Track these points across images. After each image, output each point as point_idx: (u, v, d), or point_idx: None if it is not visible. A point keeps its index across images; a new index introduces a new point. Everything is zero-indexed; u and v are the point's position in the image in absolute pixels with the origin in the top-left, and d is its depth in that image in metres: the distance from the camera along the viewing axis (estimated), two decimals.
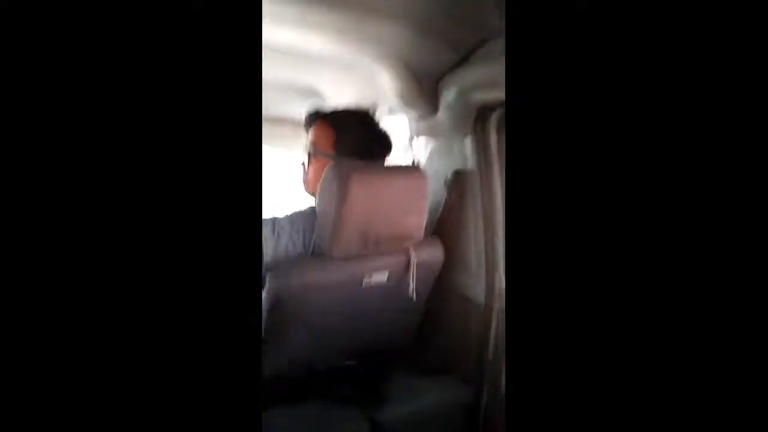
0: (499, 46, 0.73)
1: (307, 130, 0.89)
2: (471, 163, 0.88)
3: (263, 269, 0.74)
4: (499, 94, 0.80)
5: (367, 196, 0.72)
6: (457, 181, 0.90)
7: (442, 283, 0.90)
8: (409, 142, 1.03)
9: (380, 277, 0.79)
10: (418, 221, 0.80)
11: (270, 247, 0.77)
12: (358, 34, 0.73)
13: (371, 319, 0.84)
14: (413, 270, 0.81)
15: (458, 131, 0.89)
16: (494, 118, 0.86)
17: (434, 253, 0.86)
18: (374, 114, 0.87)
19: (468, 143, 0.88)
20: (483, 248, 0.88)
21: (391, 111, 1.01)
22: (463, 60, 0.81)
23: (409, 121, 0.99)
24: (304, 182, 0.90)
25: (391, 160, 0.88)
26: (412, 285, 0.81)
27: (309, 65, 1.00)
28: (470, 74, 0.81)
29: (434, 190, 0.91)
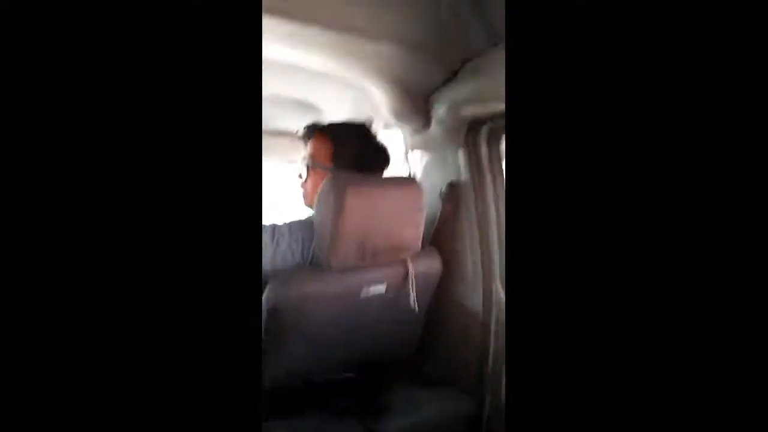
0: (484, 63, 0.76)
1: (305, 143, 0.90)
2: (464, 175, 0.90)
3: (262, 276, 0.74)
4: (486, 108, 0.82)
5: (364, 207, 0.73)
6: (452, 193, 0.92)
7: (441, 294, 0.91)
8: (405, 156, 1.05)
9: (379, 289, 0.80)
10: (414, 232, 0.81)
11: (268, 254, 0.77)
12: (350, 52, 0.75)
13: (370, 331, 0.84)
14: (412, 281, 0.82)
15: (451, 144, 0.91)
16: (484, 131, 0.89)
17: (432, 264, 0.87)
18: (370, 127, 0.89)
19: (461, 156, 0.90)
20: (479, 258, 0.89)
21: (386, 125, 1.03)
22: (451, 77, 0.84)
23: (404, 135, 1.01)
24: (302, 195, 0.91)
25: (389, 173, 0.90)
26: (413, 296, 0.82)
27: (305, 80, 1.02)
28: (458, 90, 0.83)
29: (430, 201, 0.93)
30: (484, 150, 0.89)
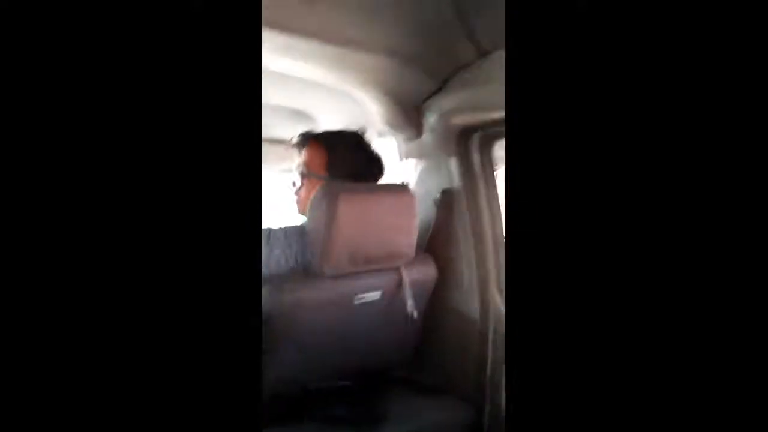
0: (473, 74, 0.78)
1: (299, 151, 0.90)
2: (457, 183, 0.91)
3: None
4: (476, 117, 0.84)
5: (356, 214, 0.74)
6: (446, 200, 0.93)
7: (436, 301, 0.91)
8: (400, 163, 1.06)
9: (373, 296, 0.80)
10: (408, 239, 0.81)
11: (263, 257, 0.77)
12: (344, 63, 0.77)
13: (364, 338, 0.84)
14: (406, 288, 0.82)
15: (443, 152, 0.92)
16: (475, 139, 0.90)
17: (427, 271, 0.87)
18: (364, 135, 0.90)
19: (453, 163, 0.91)
20: (474, 265, 0.89)
21: (380, 134, 1.04)
22: (441, 87, 0.85)
23: (398, 143, 1.02)
24: (296, 202, 0.91)
25: (385, 181, 0.90)
26: (410, 303, 0.82)
27: (300, 89, 1.03)
28: (449, 100, 0.85)
29: (425, 208, 0.93)
30: (476, 157, 0.90)
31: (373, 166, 0.88)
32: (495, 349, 0.86)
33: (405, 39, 0.74)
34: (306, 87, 0.96)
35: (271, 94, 1.05)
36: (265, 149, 1.40)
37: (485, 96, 0.77)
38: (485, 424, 0.87)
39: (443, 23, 0.72)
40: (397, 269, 0.82)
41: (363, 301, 0.79)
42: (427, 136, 0.93)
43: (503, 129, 0.87)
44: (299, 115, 1.24)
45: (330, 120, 1.22)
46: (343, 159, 0.85)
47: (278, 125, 1.31)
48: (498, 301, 0.88)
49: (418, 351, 0.94)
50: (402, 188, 0.82)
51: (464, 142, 0.90)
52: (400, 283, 0.82)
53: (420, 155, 0.99)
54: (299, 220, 0.90)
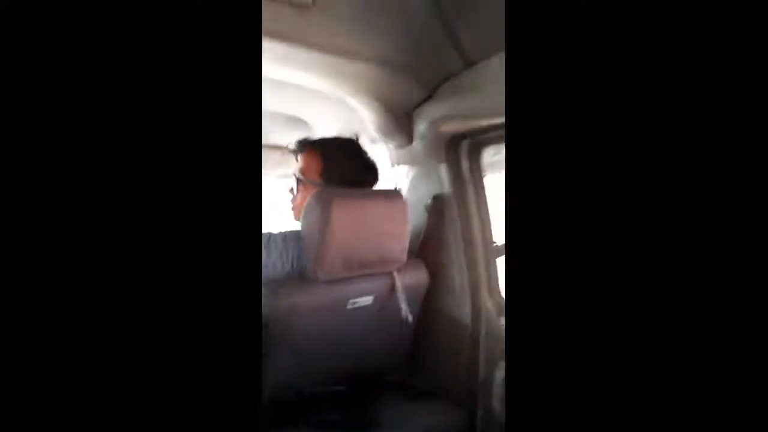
0: (460, 83, 0.80)
1: (296, 157, 0.92)
2: (447, 189, 0.93)
3: None
4: (465, 124, 0.86)
5: (350, 219, 0.75)
6: (436, 206, 0.94)
7: (428, 306, 0.92)
8: (391, 169, 1.08)
9: (365, 301, 0.81)
10: (401, 245, 0.82)
11: (262, 261, 0.78)
12: (337, 72, 0.78)
13: (358, 343, 0.85)
14: (399, 293, 0.82)
15: (433, 159, 0.94)
16: (464, 146, 0.92)
17: (419, 276, 0.88)
18: (359, 142, 0.91)
19: (443, 170, 0.93)
20: (465, 270, 0.90)
21: (372, 140, 1.06)
22: (430, 95, 0.87)
23: (389, 150, 1.04)
24: (292, 209, 0.92)
25: (378, 187, 0.92)
26: (404, 308, 0.82)
27: (295, 96, 1.05)
28: (437, 108, 0.86)
29: (417, 214, 0.94)
30: (465, 164, 0.92)
31: (368, 172, 0.89)
32: (486, 353, 0.87)
33: (395, 49, 0.76)
34: (302, 94, 0.97)
35: (268, 101, 1.07)
36: (263, 155, 1.42)
37: (473, 104, 0.78)
38: (477, 428, 0.88)
39: (431, 34, 0.74)
40: (390, 274, 0.83)
41: (356, 305, 0.80)
42: (417, 143, 0.95)
43: (491, 136, 0.89)
44: (295, 121, 1.26)
45: (325, 127, 1.23)
46: (338, 165, 0.86)
47: (275, 131, 1.32)
48: (489, 306, 0.89)
49: (411, 356, 0.95)
50: (395, 194, 0.83)
51: (453, 149, 0.91)
52: (392, 288, 0.83)
53: (411, 162, 1.00)
54: (296, 225, 0.91)
